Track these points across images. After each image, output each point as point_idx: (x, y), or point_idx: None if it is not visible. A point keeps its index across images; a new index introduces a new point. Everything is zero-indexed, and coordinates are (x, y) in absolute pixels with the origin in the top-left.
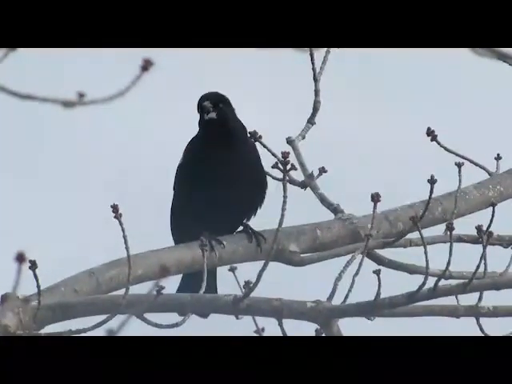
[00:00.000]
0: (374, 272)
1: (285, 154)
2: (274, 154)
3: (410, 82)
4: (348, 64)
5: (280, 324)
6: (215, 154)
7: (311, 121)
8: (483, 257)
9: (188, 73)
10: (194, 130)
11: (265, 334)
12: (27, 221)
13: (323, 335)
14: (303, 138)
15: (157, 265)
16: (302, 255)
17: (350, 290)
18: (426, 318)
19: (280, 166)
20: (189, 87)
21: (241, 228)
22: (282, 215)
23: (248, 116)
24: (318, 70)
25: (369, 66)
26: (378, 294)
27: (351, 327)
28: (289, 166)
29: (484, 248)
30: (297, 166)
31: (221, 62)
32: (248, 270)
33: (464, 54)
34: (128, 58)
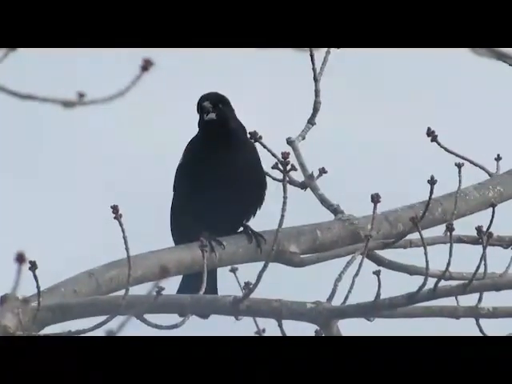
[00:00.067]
0: (374, 273)
1: (285, 155)
2: (274, 155)
3: (409, 81)
4: (348, 64)
5: (280, 325)
6: (215, 155)
7: (311, 121)
8: (483, 257)
9: (188, 73)
10: (193, 130)
11: (265, 334)
12: (27, 221)
13: (323, 336)
14: (303, 138)
15: (157, 266)
16: (301, 256)
17: (349, 291)
18: (426, 319)
19: (280, 166)
20: (189, 87)
21: (241, 229)
22: (282, 216)
23: (248, 116)
24: (318, 70)
25: (369, 66)
26: (378, 294)
27: (351, 328)
28: (289, 167)
29: (484, 249)
30: (297, 166)
31: (221, 62)
32: (248, 271)
33: (464, 54)
34: (128, 57)
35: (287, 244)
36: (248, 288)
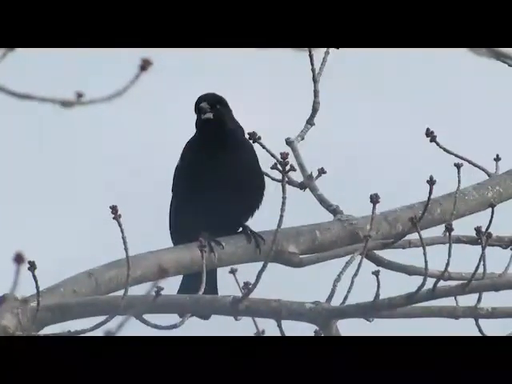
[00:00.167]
0: (373, 273)
1: (284, 155)
2: (273, 155)
3: (409, 82)
4: (348, 64)
5: (279, 325)
6: (212, 156)
7: (310, 122)
8: (482, 258)
9: (188, 73)
10: (192, 130)
11: (264, 334)
12: (26, 221)
13: (322, 336)
14: (302, 138)
15: (156, 266)
16: (301, 256)
17: (349, 291)
18: (425, 319)
19: (279, 166)
20: (188, 87)
21: (240, 229)
22: (281, 216)
23: (247, 116)
24: (317, 70)
25: (369, 66)
26: (377, 294)
27: (350, 328)
28: (288, 167)
29: (483, 249)
30: (296, 166)
31: (221, 61)
32: (247, 271)
33: (463, 54)
34: (126, 57)
35: (286, 244)
36: (247, 288)
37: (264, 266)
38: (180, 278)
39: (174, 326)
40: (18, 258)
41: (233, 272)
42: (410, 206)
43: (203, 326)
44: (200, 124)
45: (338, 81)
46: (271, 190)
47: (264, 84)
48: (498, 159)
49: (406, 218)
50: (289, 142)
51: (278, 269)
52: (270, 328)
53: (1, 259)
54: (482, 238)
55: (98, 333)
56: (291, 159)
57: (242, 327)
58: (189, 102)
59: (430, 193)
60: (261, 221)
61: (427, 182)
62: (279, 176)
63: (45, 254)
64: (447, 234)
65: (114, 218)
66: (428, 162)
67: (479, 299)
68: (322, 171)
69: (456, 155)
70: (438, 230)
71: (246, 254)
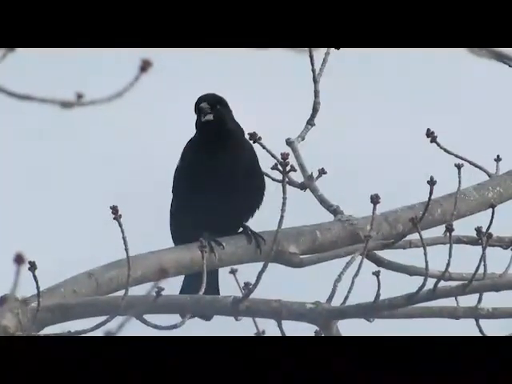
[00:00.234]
0: (374, 273)
1: (284, 156)
2: (273, 156)
3: (410, 82)
4: (348, 64)
5: (279, 325)
6: (212, 156)
7: (311, 122)
8: (483, 258)
9: (188, 73)
10: (193, 130)
11: (264, 335)
12: (26, 221)
13: (323, 336)
14: (303, 139)
15: (156, 266)
16: (301, 256)
17: (349, 292)
18: (426, 320)
19: (279, 167)
20: (188, 87)
21: (240, 229)
22: (282, 216)
23: (248, 117)
24: (317, 71)
25: (369, 65)
26: (378, 295)
27: (351, 329)
28: (288, 168)
29: (483, 249)
30: (296, 167)
31: (220, 62)
32: (247, 272)
33: (464, 54)
34: (126, 58)
35: (287, 244)
36: (248, 288)
37: (264, 267)
38: (181, 278)
39: (175, 326)
40: (19, 259)
41: (233, 272)
42: (411, 206)
43: (203, 326)
44: (200, 125)
45: (338, 81)
46: (272, 190)
47: (264, 84)
48: (498, 160)
49: (406, 219)
50: (289, 143)
51: (278, 269)
52: (270, 328)
53: (1, 259)
54: (483, 238)
55: (98, 333)
56: (292, 159)
57: (243, 327)
58: (189, 102)
59: (431, 193)
60: (261, 221)
61: (428, 182)
62: (280, 176)
63: (45, 254)
64: (448, 234)
65: (114, 219)
66: (428, 162)
67: (480, 299)
68: (322, 172)
69: (456, 156)
70: (438, 231)
71: (246, 255)
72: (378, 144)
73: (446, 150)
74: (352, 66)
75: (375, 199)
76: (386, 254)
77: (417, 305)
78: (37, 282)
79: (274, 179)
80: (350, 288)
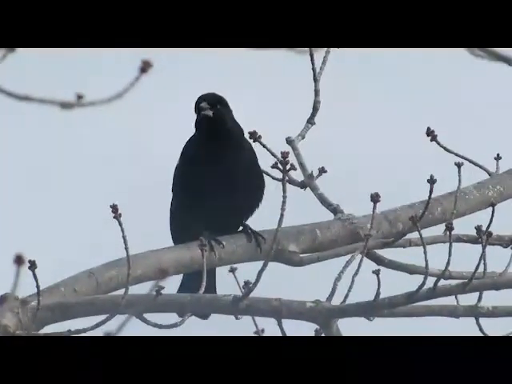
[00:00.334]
0: (374, 272)
1: (284, 154)
2: (273, 154)
3: (410, 81)
4: (348, 64)
5: (279, 324)
6: (212, 155)
7: (311, 121)
8: (483, 257)
9: (188, 73)
10: (193, 130)
11: (264, 333)
12: (27, 221)
13: (323, 335)
14: (303, 137)
15: (156, 265)
16: (301, 255)
17: (349, 290)
18: (426, 318)
19: (280, 165)
20: (188, 88)
21: (240, 228)
22: (282, 215)
23: (248, 116)
24: (317, 70)
25: (369, 65)
26: (378, 293)
27: (351, 327)
28: (288, 166)
29: (483, 248)
30: (296, 166)
31: (220, 61)
32: (247, 270)
33: (464, 53)
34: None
35: (287, 243)
36: (248, 287)
37: (264, 265)
38: (180, 276)
39: (175, 325)
40: (18, 260)
41: (232, 271)
42: (411, 205)
43: (203, 324)
44: (200, 123)
45: (338, 81)
46: (272, 189)
47: (264, 84)
48: (498, 158)
49: (406, 217)
50: (289, 141)
51: (278, 268)
52: (270, 327)
53: (1, 259)
54: (483, 237)
55: (99, 332)
56: (292, 158)
57: (242, 326)
58: (189, 102)
59: (431, 192)
60: (261, 220)
61: (428, 181)
62: (280, 175)
63: (45, 253)
64: (448, 233)
65: (114, 217)
66: (428, 161)
67: (480, 298)
68: (322, 170)
69: (456, 154)
70: (438, 229)
71: (246, 253)
72: (378, 143)
73: (446, 149)
74: (352, 66)
75: (375, 198)
76: (386, 253)
77: (417, 303)
78: (37, 281)
79: (274, 178)
80: (350, 287)
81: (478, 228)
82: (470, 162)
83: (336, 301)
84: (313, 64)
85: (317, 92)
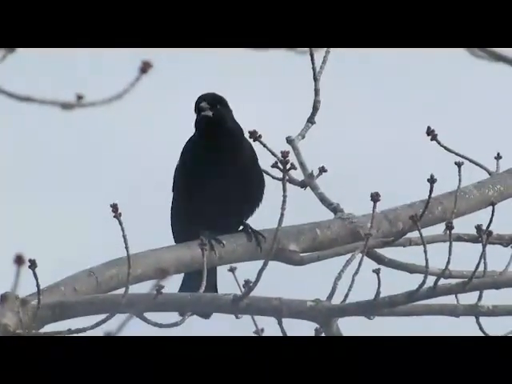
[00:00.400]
0: (374, 271)
1: (284, 154)
2: (273, 154)
3: (410, 81)
4: (348, 64)
5: (279, 323)
6: (212, 155)
7: (311, 120)
8: (483, 256)
9: (187, 73)
10: (193, 130)
11: (264, 333)
12: (27, 220)
13: (323, 334)
14: (303, 137)
15: (156, 264)
16: (301, 254)
17: (349, 289)
18: (426, 317)
19: (280, 165)
20: (188, 88)
21: (241, 227)
22: (282, 214)
23: (248, 115)
24: (317, 69)
25: (369, 65)
26: (378, 293)
27: (351, 326)
28: (288, 166)
29: (484, 247)
30: (296, 165)
31: (221, 61)
32: (248, 269)
33: (464, 53)
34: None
35: (287, 242)
36: (248, 286)
37: (265, 264)
38: (181, 276)
39: (175, 324)
40: (18, 260)
41: (232, 270)
42: (411, 204)
43: (203, 324)
44: (199, 123)
45: (338, 80)
46: (272, 188)
47: (264, 84)
48: (498, 158)
49: (406, 217)
50: (289, 141)
51: (278, 267)
52: (270, 326)
53: (1, 259)
54: (483, 236)
55: (99, 331)
56: (292, 158)
57: (242, 325)
58: (189, 102)
59: (431, 191)
60: (261, 219)
61: (428, 180)
62: (280, 174)
63: (45, 253)
64: (448, 232)
65: (114, 217)
66: (429, 160)
67: (480, 297)
68: (322, 170)
69: (457, 154)
70: (438, 229)
71: (246, 252)
72: (378, 142)
73: (446, 148)
74: (352, 66)
75: (375, 197)
76: (386, 252)
77: (417, 302)
78: (37, 280)
79: (274, 177)
80: (351, 286)
81: (478, 227)
82: (471, 161)
83: (336, 300)
84: (313, 63)
85: (317, 91)
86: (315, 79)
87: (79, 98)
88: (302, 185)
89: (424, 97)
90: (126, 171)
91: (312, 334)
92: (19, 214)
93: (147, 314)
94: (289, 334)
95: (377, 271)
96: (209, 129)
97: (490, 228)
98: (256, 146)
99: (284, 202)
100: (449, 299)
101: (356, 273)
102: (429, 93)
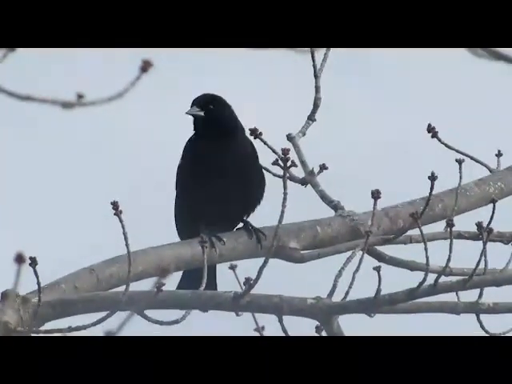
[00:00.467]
0: (375, 269)
1: (285, 151)
2: (274, 151)
3: (410, 81)
4: (348, 63)
5: (280, 321)
6: (211, 154)
7: (312, 117)
8: (483, 253)
9: (187, 73)
10: (192, 130)
11: (265, 330)
12: (28, 218)
13: (323, 332)
14: (304, 134)
15: (157, 261)
16: (302, 252)
17: (350, 287)
18: (427, 315)
19: (280, 162)
20: (188, 88)
21: (241, 225)
22: (283, 212)
23: (248, 112)
24: (318, 66)
25: (369, 65)
26: (379, 290)
27: (351, 324)
28: (289, 163)
29: (484, 244)
30: (297, 162)
31: (220, 62)
32: (248, 267)
33: (464, 52)
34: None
35: (287, 240)
36: (248, 284)
37: (265, 262)
38: (180, 273)
39: (176, 322)
40: (19, 258)
41: (232, 268)
42: (411, 201)
43: (204, 321)
44: (194, 125)
45: (339, 77)
46: (272, 185)
47: (264, 82)
48: (499, 155)
49: (407, 214)
50: (290, 138)
51: (279, 264)
52: (270, 324)
53: (2, 257)
54: (484, 233)
55: (99, 328)
56: (292, 155)
57: (243, 323)
58: (189, 102)
59: (432, 188)
60: (262, 216)
61: (428, 177)
62: (280, 172)
63: (46, 250)
64: (448, 229)
65: (115, 214)
66: (429, 157)
67: (480, 295)
68: (323, 167)
69: (457, 151)
70: (439, 226)
71: (247, 250)
72: (379, 140)
73: (446, 145)
74: (352, 66)
75: (376, 194)
76: (387, 250)
77: (417, 300)
78: (37, 278)
79: (274, 175)
80: (351, 283)
81: (479, 225)
82: (471, 158)
83: (337, 297)
84: (313, 61)
85: (317, 88)
86: (316, 76)
87: (80, 97)
88: (303, 182)
89: (424, 94)
90: (126, 171)
91: (313, 331)
92: (20, 213)
93: (148, 312)
94: (289, 332)
95: (377, 269)
96: (204, 129)
97: (491, 225)
98: (257, 143)
99: (284, 199)
100: (449, 297)
101: (356, 270)
102: (429, 90)
